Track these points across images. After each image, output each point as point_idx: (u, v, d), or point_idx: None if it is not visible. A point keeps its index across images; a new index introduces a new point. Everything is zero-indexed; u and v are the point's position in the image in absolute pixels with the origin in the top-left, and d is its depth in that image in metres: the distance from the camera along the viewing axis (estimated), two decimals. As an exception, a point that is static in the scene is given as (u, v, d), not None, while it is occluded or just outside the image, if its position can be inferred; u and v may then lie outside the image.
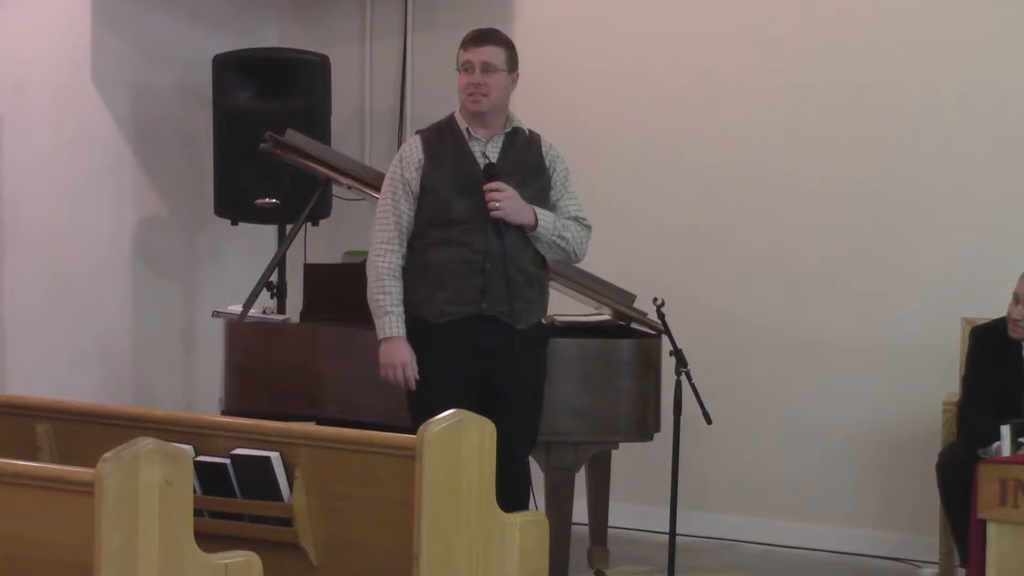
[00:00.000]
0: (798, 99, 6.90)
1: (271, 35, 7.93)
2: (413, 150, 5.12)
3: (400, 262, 5.08)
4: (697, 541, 6.82)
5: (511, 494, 4.60)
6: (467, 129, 5.11)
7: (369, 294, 5.10)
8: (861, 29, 6.79)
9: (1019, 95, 6.53)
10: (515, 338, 5.04)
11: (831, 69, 6.83)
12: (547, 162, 5.19)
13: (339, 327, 5.86)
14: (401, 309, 5.06)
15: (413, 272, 5.08)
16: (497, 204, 4.99)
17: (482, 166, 5.07)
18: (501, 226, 5.01)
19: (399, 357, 5.04)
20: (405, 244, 5.09)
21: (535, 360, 5.18)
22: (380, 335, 5.07)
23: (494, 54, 5.08)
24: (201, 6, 7.63)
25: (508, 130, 5.14)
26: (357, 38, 7.86)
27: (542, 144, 5.22)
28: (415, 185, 5.08)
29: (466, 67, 5.07)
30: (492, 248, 5.02)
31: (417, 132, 5.26)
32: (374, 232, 5.13)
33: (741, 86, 7.00)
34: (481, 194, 5.01)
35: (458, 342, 5.03)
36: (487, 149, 5.11)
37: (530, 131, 5.22)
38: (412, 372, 5.04)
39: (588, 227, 5.20)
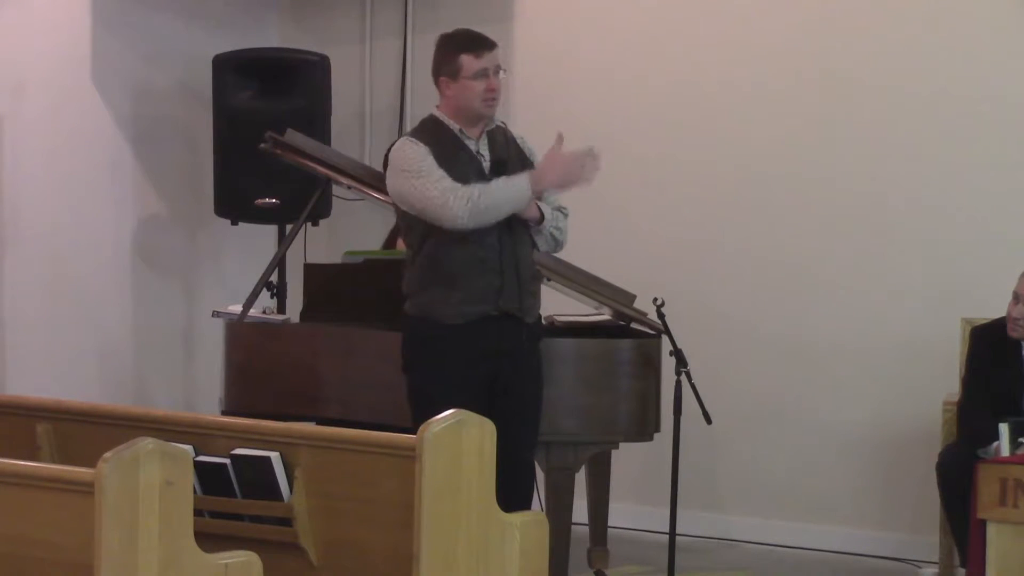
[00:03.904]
0: (798, 99, 6.89)
1: (271, 35, 7.93)
2: (418, 150, 5.02)
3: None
4: (697, 541, 6.82)
5: (516, 493, 4.61)
6: (460, 130, 5.09)
7: (481, 206, 4.89)
8: (862, 29, 6.79)
9: (1019, 94, 6.53)
10: (523, 334, 5.05)
11: (832, 70, 6.82)
12: (526, 152, 5.21)
13: (339, 327, 5.86)
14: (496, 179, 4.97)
15: (426, 273, 5.04)
16: None
17: (482, 164, 5.06)
18: (511, 223, 5.01)
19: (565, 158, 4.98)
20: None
21: (538, 355, 5.19)
22: (526, 187, 4.95)
23: (499, 56, 5.09)
24: (201, 6, 7.63)
25: (490, 127, 5.14)
26: (357, 38, 7.86)
27: (515, 136, 5.22)
28: None
29: (482, 74, 5.02)
30: (505, 246, 5.02)
31: (409, 137, 5.14)
32: (428, 188, 4.91)
33: (741, 86, 7.00)
34: None
35: (474, 343, 5.00)
36: (479, 147, 5.11)
37: (501, 123, 5.22)
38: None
39: (567, 214, 5.22)
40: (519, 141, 5.22)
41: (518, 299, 5.04)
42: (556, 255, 5.39)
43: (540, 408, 5.21)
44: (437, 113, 5.12)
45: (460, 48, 5.06)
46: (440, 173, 4.95)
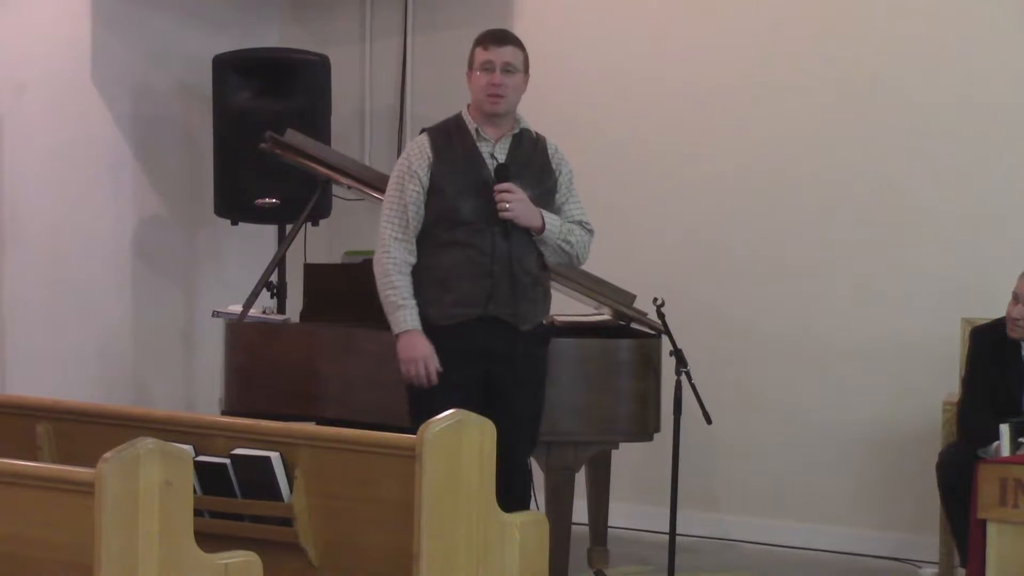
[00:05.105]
0: (799, 99, 6.89)
1: (271, 35, 7.93)
2: (422, 147, 5.09)
3: (409, 257, 5.05)
4: (697, 541, 6.82)
5: (512, 494, 4.60)
6: (476, 129, 5.09)
7: (379, 290, 5.06)
8: (862, 28, 6.79)
9: (1020, 94, 6.53)
10: (518, 339, 5.04)
11: (832, 69, 6.82)
12: (553, 164, 5.19)
13: (339, 327, 5.86)
14: (413, 302, 5.02)
15: (419, 273, 5.06)
16: (508, 205, 4.98)
17: (491, 167, 5.06)
18: (508, 228, 5.00)
19: (419, 351, 5.00)
20: (413, 239, 5.06)
21: (537, 361, 5.18)
22: (395, 330, 5.03)
23: (514, 55, 5.08)
24: (201, 6, 7.63)
25: (516, 131, 5.13)
26: (357, 38, 7.86)
27: (548, 146, 5.21)
28: (425, 180, 5.06)
29: (486, 67, 5.04)
30: (499, 250, 5.01)
31: (424, 131, 5.22)
32: (381, 226, 5.08)
33: (741, 86, 7.00)
34: (489, 195, 4.99)
35: (463, 344, 5.01)
36: (495, 150, 5.09)
37: (536, 133, 5.21)
38: (434, 365, 5.00)
39: (591, 231, 5.20)
40: (551, 151, 5.20)
41: (511, 304, 5.02)
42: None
43: (538, 412, 5.19)
44: (464, 110, 5.14)
45: (476, 41, 5.12)
46: (398, 210, 5.05)
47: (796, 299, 6.89)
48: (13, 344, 6.79)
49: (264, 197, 6.97)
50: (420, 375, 4.99)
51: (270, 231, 7.56)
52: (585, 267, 5.56)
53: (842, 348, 6.78)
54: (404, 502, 3.93)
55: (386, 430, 4.25)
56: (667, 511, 5.81)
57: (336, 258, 6.93)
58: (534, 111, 5.34)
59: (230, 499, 4.22)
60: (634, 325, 5.90)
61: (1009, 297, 5.77)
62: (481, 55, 5.07)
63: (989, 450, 5.42)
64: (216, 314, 6.27)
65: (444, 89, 6.96)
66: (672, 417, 5.73)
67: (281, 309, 6.89)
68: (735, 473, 6.98)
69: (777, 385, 6.91)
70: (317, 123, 7.01)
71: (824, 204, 6.84)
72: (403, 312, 5.01)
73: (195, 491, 3.93)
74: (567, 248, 5.14)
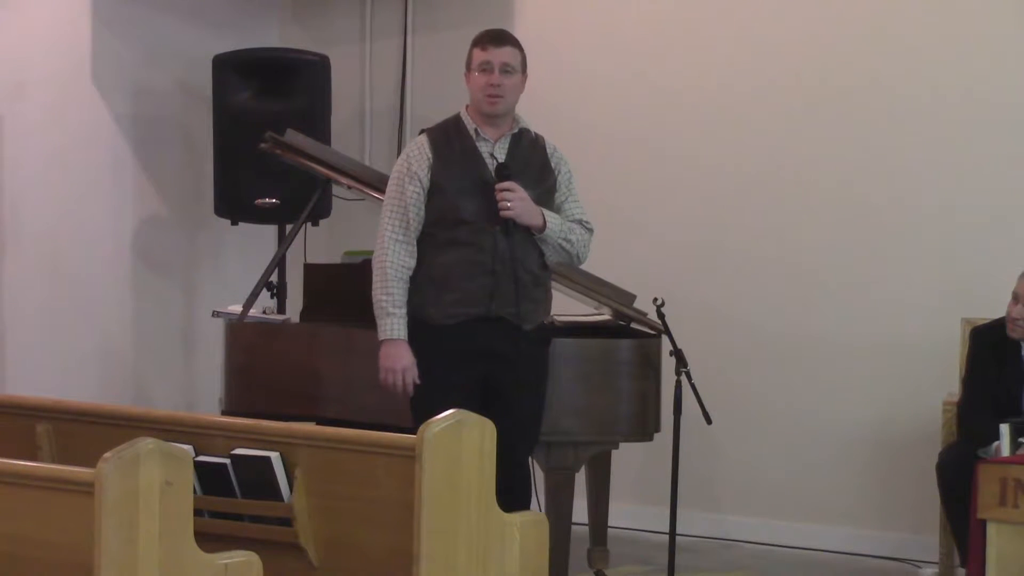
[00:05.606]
0: (798, 99, 6.90)
1: (271, 35, 7.93)
2: (421, 148, 5.09)
3: (409, 260, 5.04)
4: (697, 541, 6.82)
5: (513, 494, 4.60)
6: (476, 129, 5.10)
7: (373, 292, 5.08)
8: (862, 29, 6.80)
9: (1020, 94, 6.53)
10: (520, 339, 5.04)
11: (830, 69, 6.83)
12: (552, 164, 5.19)
13: (339, 327, 5.86)
14: (404, 311, 5.03)
15: (419, 273, 5.05)
16: (509, 204, 4.98)
17: (490, 167, 5.06)
18: (510, 227, 5.01)
19: (401, 362, 5.02)
20: (414, 241, 5.06)
21: (538, 361, 5.18)
22: (381, 336, 5.05)
23: (512, 55, 5.08)
24: (201, 6, 7.63)
25: (515, 131, 5.14)
26: (357, 38, 7.86)
27: (547, 146, 5.22)
28: (426, 181, 5.06)
29: (484, 67, 5.05)
30: (501, 249, 5.01)
31: (423, 131, 5.22)
32: (380, 226, 5.08)
33: (740, 86, 7.00)
34: (489, 195, 5.00)
35: (464, 344, 5.01)
36: (495, 150, 5.10)
37: (535, 133, 5.21)
38: (412, 377, 5.03)
39: (591, 230, 5.21)
40: (550, 151, 5.20)
41: (514, 304, 5.02)
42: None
43: (538, 412, 5.19)
44: (463, 111, 5.15)
45: (474, 42, 5.13)
46: (399, 211, 5.04)
47: (796, 299, 6.89)
48: (13, 344, 6.79)
49: (264, 197, 6.97)
50: (397, 384, 5.03)
51: (270, 231, 7.57)
52: (585, 267, 5.56)
53: (843, 348, 6.78)
54: (404, 502, 3.93)
55: (386, 430, 4.25)
56: (667, 511, 5.81)
57: (336, 258, 6.92)
58: (534, 111, 5.34)
59: (230, 499, 4.22)
60: (634, 325, 5.90)
61: (1009, 297, 5.77)
62: (479, 55, 5.08)
63: (989, 450, 5.42)
64: (216, 314, 6.27)
65: (444, 89, 6.96)
66: (672, 417, 5.73)
67: (281, 309, 6.90)
68: (735, 473, 6.98)
69: (777, 385, 6.91)
70: (317, 123, 7.01)
71: (825, 204, 6.84)
72: (392, 320, 5.02)
73: (195, 491, 3.93)
74: (567, 247, 5.14)
